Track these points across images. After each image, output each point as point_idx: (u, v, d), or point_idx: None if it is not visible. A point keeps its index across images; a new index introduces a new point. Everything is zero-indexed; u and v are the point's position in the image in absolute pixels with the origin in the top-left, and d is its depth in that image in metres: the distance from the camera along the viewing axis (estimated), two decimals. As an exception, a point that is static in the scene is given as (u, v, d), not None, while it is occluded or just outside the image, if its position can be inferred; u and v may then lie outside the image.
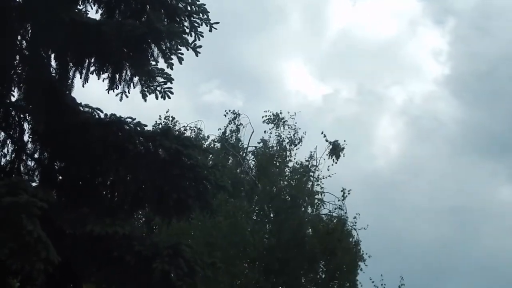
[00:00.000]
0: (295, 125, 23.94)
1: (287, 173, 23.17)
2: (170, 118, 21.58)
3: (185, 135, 11.55)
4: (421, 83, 47.20)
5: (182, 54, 10.81)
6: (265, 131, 23.88)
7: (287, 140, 23.71)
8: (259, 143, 23.72)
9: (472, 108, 43.58)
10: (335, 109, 35.63)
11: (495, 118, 42.33)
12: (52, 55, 11.35)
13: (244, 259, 20.97)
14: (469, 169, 39.03)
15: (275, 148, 23.56)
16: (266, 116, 24.06)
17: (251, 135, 23.91)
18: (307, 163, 23.20)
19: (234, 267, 19.83)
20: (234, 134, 23.91)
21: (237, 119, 24.11)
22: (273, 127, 23.90)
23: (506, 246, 34.90)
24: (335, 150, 23.15)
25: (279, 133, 23.81)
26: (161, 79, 11.19)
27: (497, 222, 37.76)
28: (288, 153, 23.64)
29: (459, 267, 29.67)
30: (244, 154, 23.84)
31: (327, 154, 23.19)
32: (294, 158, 23.54)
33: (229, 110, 24.34)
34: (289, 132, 23.84)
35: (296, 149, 23.79)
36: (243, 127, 24.05)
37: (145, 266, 10.21)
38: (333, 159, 23.11)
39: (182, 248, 10.49)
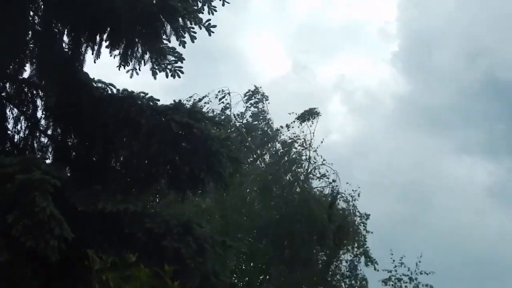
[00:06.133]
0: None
1: (280, 149, 23.32)
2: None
3: (196, 108, 11.46)
4: (374, 61, 47.30)
5: (195, 32, 10.76)
6: (249, 107, 24.05)
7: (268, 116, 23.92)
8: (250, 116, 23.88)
9: (413, 85, 43.95)
10: (289, 86, 35.62)
11: (435, 95, 42.60)
12: (65, 31, 11.34)
13: (253, 229, 21.14)
14: (416, 145, 39.47)
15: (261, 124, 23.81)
16: (248, 92, 24.15)
17: (244, 111, 24.01)
18: (298, 136, 23.34)
19: (246, 238, 20.11)
20: (224, 111, 23.87)
21: (225, 97, 24.04)
22: (251, 104, 24.01)
23: (458, 219, 35.57)
24: (305, 115, 23.30)
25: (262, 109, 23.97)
26: (172, 58, 11.19)
27: (448, 196, 37.94)
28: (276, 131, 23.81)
29: (413, 240, 29.92)
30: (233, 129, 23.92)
31: (297, 119, 23.25)
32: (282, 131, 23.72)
33: (221, 90, 24.26)
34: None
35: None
36: (236, 104, 24.08)
37: (156, 243, 10.26)
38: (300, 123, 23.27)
39: (192, 226, 10.50)
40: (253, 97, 24.12)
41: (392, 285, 22.61)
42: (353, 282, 21.74)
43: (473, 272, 33.27)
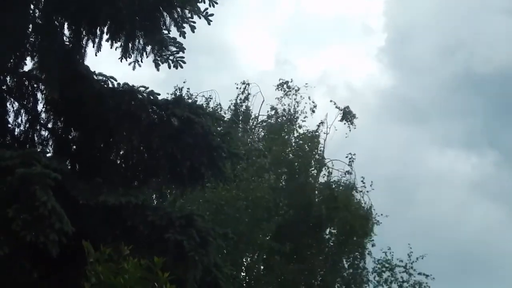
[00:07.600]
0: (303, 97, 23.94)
1: (293, 141, 23.19)
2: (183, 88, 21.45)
3: (197, 103, 11.46)
4: (358, 55, 47.13)
5: (194, 22, 10.74)
6: (276, 98, 23.98)
7: (296, 108, 23.82)
8: (271, 109, 23.79)
9: (395, 79, 43.85)
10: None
11: (417, 88, 42.35)
12: (65, 24, 11.31)
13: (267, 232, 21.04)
14: (399, 138, 39.29)
15: (284, 117, 23.69)
16: (280, 82, 24.06)
17: (261, 104, 23.99)
18: (315, 129, 23.26)
19: (258, 238, 20.11)
20: (243, 103, 23.82)
21: (247, 88, 23.97)
22: (282, 96, 23.95)
23: (442, 212, 35.28)
24: (346, 116, 23.22)
25: (291, 102, 23.89)
26: (173, 48, 11.15)
27: (431, 189, 37.69)
28: (297, 122, 23.72)
29: (397, 233, 29.93)
30: (254, 124, 23.88)
31: (339, 121, 23.31)
32: (302, 125, 23.63)
33: (241, 82, 24.17)
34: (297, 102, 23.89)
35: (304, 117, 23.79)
36: (253, 96, 24.00)
37: (158, 236, 10.24)
38: (346, 124, 23.23)
39: (194, 219, 10.50)
40: (282, 90, 23.99)
41: (389, 275, 22.62)
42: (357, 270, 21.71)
43: (455, 264, 33.41)
